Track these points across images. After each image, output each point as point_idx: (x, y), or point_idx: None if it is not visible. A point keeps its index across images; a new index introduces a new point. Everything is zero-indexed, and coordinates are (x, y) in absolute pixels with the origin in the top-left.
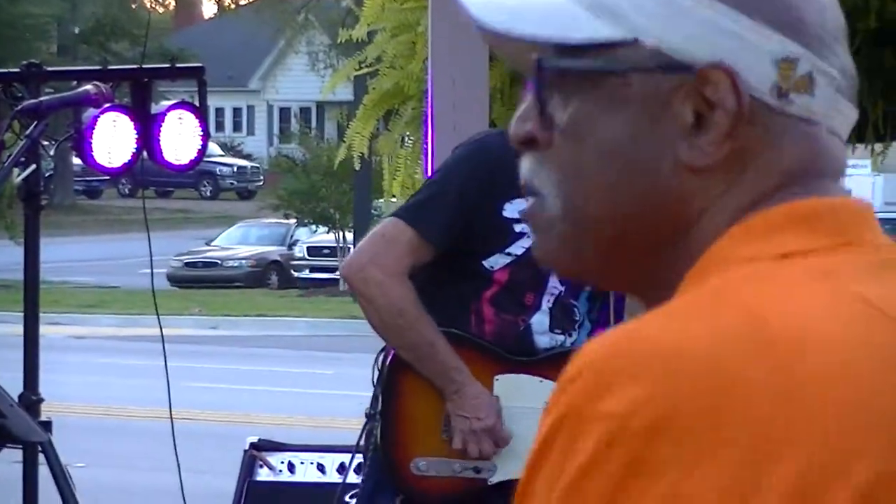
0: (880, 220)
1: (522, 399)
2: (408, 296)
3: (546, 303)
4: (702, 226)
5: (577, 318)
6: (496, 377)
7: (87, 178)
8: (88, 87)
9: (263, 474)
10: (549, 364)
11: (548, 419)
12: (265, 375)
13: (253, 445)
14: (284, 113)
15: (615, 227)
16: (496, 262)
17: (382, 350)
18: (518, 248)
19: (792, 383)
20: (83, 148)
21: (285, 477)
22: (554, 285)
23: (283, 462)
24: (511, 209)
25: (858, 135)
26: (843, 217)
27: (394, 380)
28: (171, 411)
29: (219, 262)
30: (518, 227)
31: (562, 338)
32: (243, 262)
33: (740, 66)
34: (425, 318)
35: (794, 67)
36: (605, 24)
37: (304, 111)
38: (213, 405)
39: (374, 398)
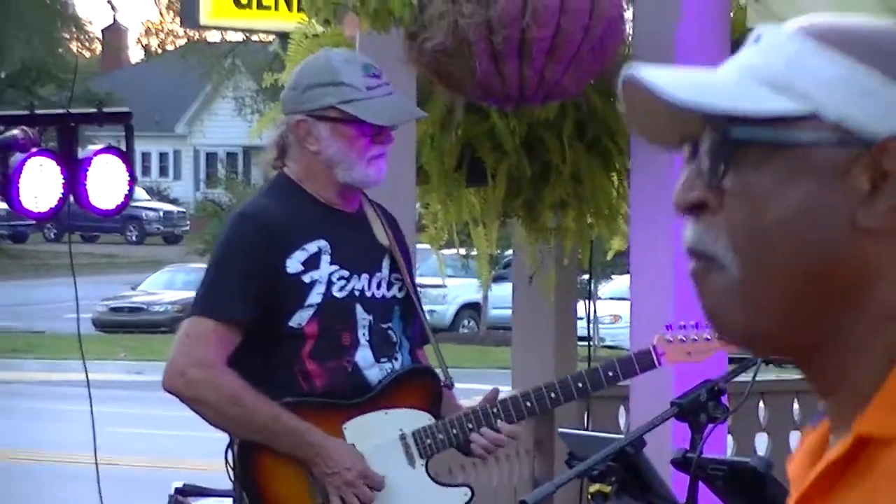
0: None
1: (375, 437)
2: (236, 382)
3: (363, 336)
4: (886, 287)
5: (395, 340)
6: (344, 426)
7: (13, 223)
8: (15, 131)
9: None
10: (386, 395)
11: None
12: (190, 420)
13: (178, 490)
14: (211, 158)
15: (795, 290)
16: (301, 317)
17: (229, 446)
18: (315, 297)
19: None
20: (10, 192)
21: None
22: (363, 317)
23: None
24: (292, 264)
25: None
26: None
27: (249, 471)
28: (96, 456)
29: (144, 306)
30: (306, 278)
31: (389, 365)
32: (169, 306)
33: None
34: (260, 397)
35: None
36: (786, 98)
37: (231, 156)
38: (138, 450)
39: (238, 498)
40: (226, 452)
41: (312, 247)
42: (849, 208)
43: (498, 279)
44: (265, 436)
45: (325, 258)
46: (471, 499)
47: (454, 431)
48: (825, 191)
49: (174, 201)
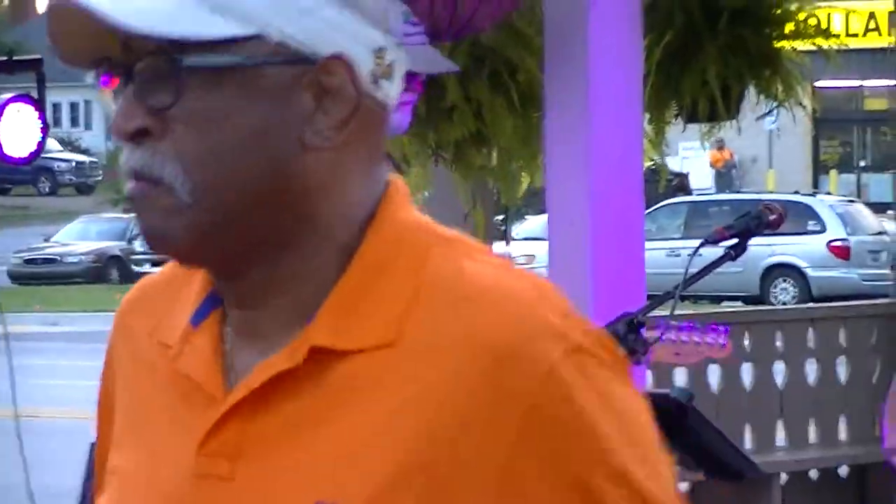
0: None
1: None
2: None
3: None
4: (327, 206)
5: None
6: None
7: None
8: None
9: None
10: None
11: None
12: None
13: None
14: None
15: (246, 211)
16: None
17: None
18: None
19: None
20: None
21: None
22: None
23: None
24: None
25: (691, 115)
26: None
27: None
28: (16, 409)
29: (58, 258)
30: None
31: None
32: (83, 257)
33: (352, 57)
34: None
35: (384, 57)
36: (232, 22)
37: None
38: (57, 401)
39: None
40: None
41: None
42: (297, 128)
43: None
44: None
45: None
46: None
47: None
48: (275, 111)
49: (86, 151)
